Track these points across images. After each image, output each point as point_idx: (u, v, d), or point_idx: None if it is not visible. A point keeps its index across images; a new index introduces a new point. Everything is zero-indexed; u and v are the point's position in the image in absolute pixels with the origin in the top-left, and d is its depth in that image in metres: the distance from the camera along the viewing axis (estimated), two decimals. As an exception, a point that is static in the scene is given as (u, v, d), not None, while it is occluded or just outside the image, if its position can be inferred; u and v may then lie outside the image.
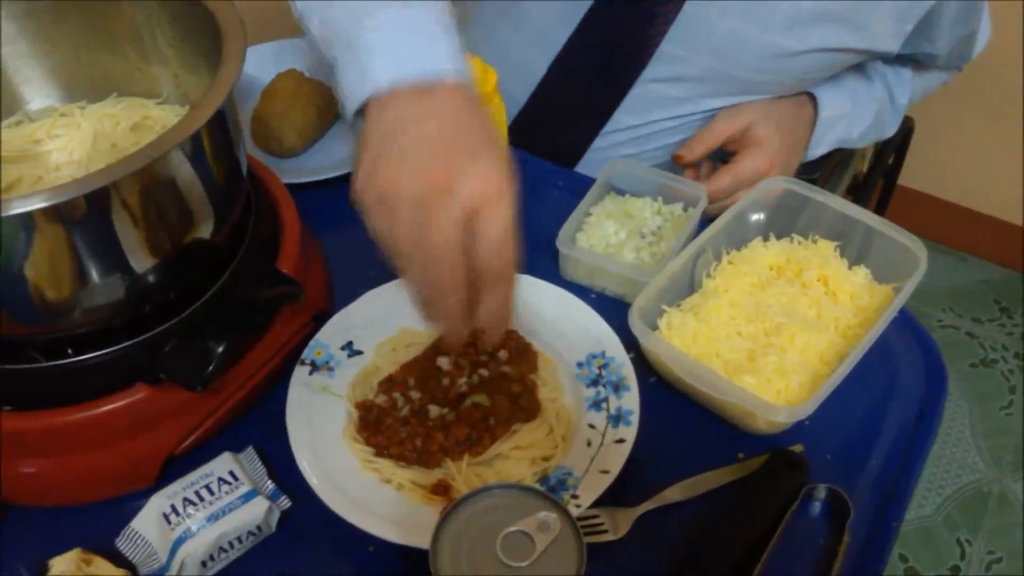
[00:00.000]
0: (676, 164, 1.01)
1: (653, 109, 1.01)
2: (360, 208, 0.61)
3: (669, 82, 0.97)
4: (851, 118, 1.04)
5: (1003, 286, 2.23)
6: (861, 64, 1.04)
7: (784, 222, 0.89)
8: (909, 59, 1.07)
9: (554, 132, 1.06)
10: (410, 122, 0.60)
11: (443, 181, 0.58)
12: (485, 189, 0.58)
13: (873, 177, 1.48)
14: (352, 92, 0.63)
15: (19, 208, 0.56)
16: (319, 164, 1.01)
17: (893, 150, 1.51)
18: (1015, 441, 1.92)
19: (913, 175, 2.12)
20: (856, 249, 0.87)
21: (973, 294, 2.21)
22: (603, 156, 1.06)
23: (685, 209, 0.92)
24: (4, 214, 0.56)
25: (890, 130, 1.12)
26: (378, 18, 0.63)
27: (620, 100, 1.01)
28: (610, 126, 1.04)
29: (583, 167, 1.08)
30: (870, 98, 1.05)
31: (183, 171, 0.64)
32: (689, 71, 0.96)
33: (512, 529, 0.56)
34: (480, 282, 0.60)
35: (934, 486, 1.86)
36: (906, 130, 1.47)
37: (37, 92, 0.83)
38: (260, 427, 0.76)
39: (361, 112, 0.63)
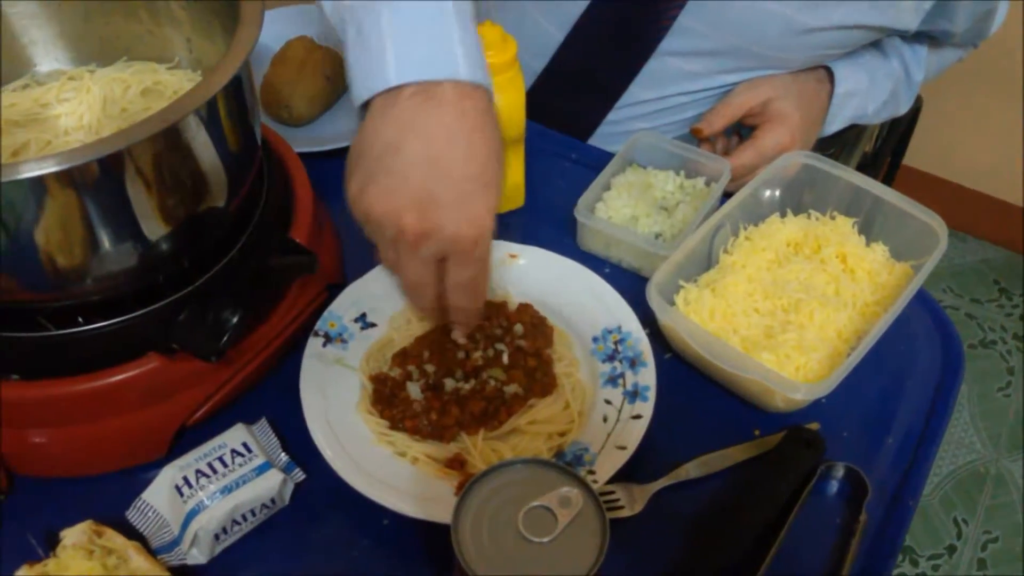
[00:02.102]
0: (693, 138, 1.00)
1: (668, 83, 1.00)
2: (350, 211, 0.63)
3: (685, 56, 0.96)
4: (867, 94, 1.03)
5: (1003, 267, 2.23)
6: (878, 40, 1.03)
7: (799, 197, 0.88)
8: (925, 36, 1.05)
9: (568, 103, 1.04)
10: (407, 136, 0.58)
11: (416, 227, 0.58)
12: (458, 236, 0.59)
13: (881, 155, 1.46)
14: (363, 82, 0.60)
15: (33, 171, 0.55)
16: (329, 133, 0.99)
17: (901, 128, 1.50)
18: (1012, 422, 1.93)
19: (915, 154, 2.11)
20: (872, 225, 0.86)
21: (973, 274, 2.21)
22: (616, 130, 1.05)
23: (707, 184, 0.91)
24: (17, 176, 0.54)
25: (904, 107, 1.11)
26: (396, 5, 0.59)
27: (635, 73, 0.99)
28: (624, 100, 1.02)
29: (596, 141, 1.06)
30: (886, 74, 1.04)
31: (199, 137, 0.63)
32: (706, 45, 0.94)
33: (534, 504, 0.55)
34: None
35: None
36: (914, 109, 1.46)
37: (45, 54, 0.81)
38: (273, 399, 0.75)
39: (366, 104, 0.61)
